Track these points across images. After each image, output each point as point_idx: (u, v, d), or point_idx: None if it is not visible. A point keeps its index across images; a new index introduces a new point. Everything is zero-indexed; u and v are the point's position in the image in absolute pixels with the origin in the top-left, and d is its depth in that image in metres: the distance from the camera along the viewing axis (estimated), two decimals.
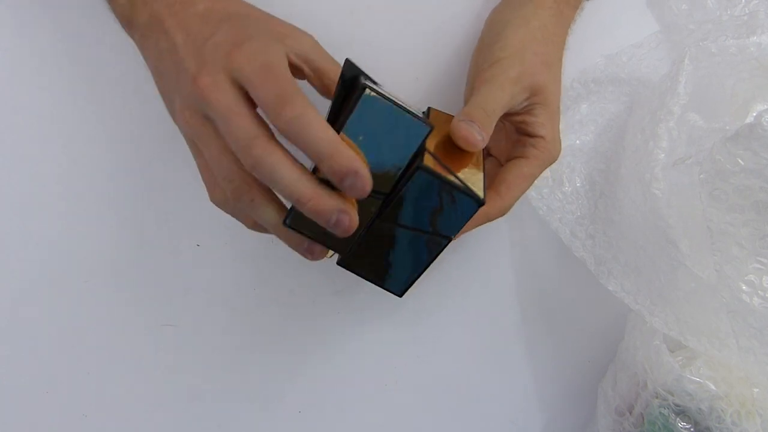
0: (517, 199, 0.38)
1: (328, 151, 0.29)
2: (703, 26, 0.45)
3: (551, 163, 0.39)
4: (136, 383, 0.44)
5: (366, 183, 0.29)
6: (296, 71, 0.34)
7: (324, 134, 0.28)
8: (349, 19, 0.42)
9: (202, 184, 0.34)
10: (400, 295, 0.38)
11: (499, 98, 0.36)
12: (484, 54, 0.39)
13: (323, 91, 0.35)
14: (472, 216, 0.35)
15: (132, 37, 0.35)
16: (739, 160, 0.35)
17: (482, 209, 0.35)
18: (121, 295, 0.43)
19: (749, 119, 0.41)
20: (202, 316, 0.44)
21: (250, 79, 0.29)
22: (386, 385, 0.47)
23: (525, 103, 0.38)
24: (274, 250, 0.45)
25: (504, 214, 0.38)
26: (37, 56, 0.40)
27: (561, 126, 0.40)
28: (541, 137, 0.38)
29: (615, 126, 0.47)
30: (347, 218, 0.30)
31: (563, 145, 0.40)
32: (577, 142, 0.47)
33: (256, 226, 0.34)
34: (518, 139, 0.39)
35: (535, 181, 0.46)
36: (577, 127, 0.47)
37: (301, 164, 0.30)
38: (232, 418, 0.46)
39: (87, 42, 0.40)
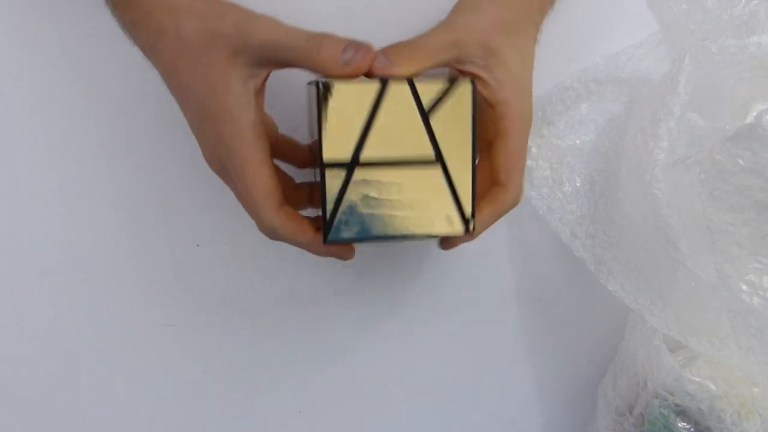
0: (522, 176, 0.36)
1: (307, 249, 0.34)
2: (703, 26, 0.45)
3: (528, 125, 0.36)
4: (136, 383, 0.44)
5: (347, 258, 0.35)
6: (280, 65, 0.33)
7: (297, 239, 0.33)
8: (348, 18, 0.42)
9: (202, 183, 0.34)
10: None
11: (425, 42, 0.34)
12: None
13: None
14: None
15: None
16: (739, 160, 0.35)
17: (499, 202, 0.35)
18: (121, 295, 0.43)
19: (749, 119, 0.41)
20: (202, 316, 0.44)
21: (232, 183, 0.33)
22: (386, 385, 0.47)
23: (473, 59, 0.35)
24: (275, 250, 0.45)
25: (519, 200, 0.37)
26: (37, 55, 0.40)
27: (561, 126, 0.39)
28: (505, 103, 0.35)
29: (615, 126, 0.47)
30: (344, 258, 0.35)
31: (563, 144, 0.39)
32: (577, 142, 0.47)
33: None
34: (489, 118, 0.36)
35: (535, 181, 0.46)
36: (577, 127, 0.47)
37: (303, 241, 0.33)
38: (232, 418, 0.46)
39: (87, 42, 0.40)
